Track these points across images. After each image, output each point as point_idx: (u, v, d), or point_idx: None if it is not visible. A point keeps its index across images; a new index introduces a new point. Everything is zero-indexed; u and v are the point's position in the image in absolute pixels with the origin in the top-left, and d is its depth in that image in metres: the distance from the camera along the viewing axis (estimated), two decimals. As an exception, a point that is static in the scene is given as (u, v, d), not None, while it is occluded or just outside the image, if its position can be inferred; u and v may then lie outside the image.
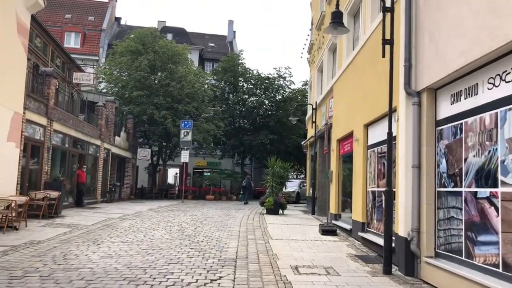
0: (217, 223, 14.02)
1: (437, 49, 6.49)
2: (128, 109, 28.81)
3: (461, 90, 6.13)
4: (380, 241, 8.06)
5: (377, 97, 9.24)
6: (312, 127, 20.56)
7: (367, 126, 10.55)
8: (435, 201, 6.73)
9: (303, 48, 26.39)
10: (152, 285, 5.87)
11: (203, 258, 7.88)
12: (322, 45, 18.48)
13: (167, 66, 30.20)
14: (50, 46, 24.04)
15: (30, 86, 14.39)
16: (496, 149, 5.27)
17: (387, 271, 7.02)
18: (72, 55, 30.09)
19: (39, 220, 12.64)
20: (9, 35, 11.64)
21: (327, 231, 11.72)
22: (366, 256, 8.67)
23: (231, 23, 52.94)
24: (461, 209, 5.99)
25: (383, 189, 8.00)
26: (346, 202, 13.16)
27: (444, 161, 6.56)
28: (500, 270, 5.04)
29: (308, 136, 23.49)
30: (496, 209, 5.20)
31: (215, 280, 6.23)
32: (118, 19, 48.99)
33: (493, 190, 5.28)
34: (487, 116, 5.50)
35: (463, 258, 5.83)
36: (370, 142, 10.42)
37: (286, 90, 38.64)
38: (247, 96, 37.99)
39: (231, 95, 37.73)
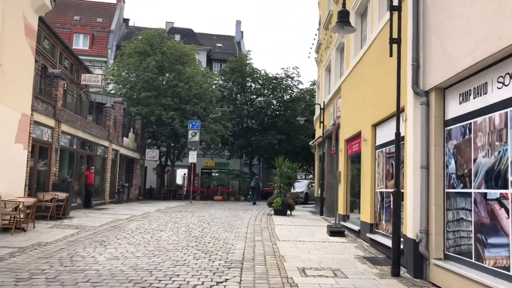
0: (225, 224, 13.98)
1: (445, 48, 6.39)
2: (136, 110, 28.91)
3: (470, 90, 6.03)
4: (389, 242, 7.97)
5: (385, 97, 9.15)
6: (320, 127, 20.46)
7: (375, 126, 10.46)
8: (444, 202, 6.63)
9: (311, 48, 26.23)
10: (157, 287, 5.85)
11: (209, 259, 7.84)
12: (329, 45, 18.38)
13: (175, 67, 30.23)
14: (58, 48, 24.17)
15: (38, 88, 14.46)
16: (506, 149, 5.17)
17: (395, 273, 6.93)
18: (81, 57, 30.26)
19: (47, 222, 12.69)
20: (17, 37, 11.69)
21: (335, 232, 11.63)
22: (374, 257, 8.57)
23: (238, 23, 52.90)
24: (470, 210, 5.89)
25: (392, 190, 7.91)
26: (354, 203, 13.06)
27: (453, 161, 6.46)
28: (511, 273, 4.94)
29: (316, 136, 23.40)
30: (507, 210, 5.10)
31: (221, 282, 6.19)
32: (126, 21, 49.23)
33: (503, 191, 5.18)
34: (496, 115, 5.39)
35: (473, 260, 5.73)
36: (378, 142, 10.32)
37: (294, 90, 38.54)
38: (255, 96, 37.93)
39: (239, 95, 37.69)
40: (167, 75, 30.52)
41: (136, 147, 28.58)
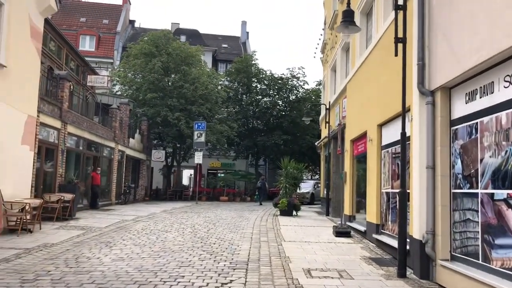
0: (230, 225, 13.96)
1: (451, 47, 6.33)
2: (142, 111, 28.98)
3: (476, 89, 5.96)
4: (395, 243, 7.91)
5: (390, 97, 9.09)
6: (325, 128, 20.41)
7: (380, 126, 10.40)
8: (450, 202, 6.57)
9: (316, 48, 26.21)
10: (162, 289, 5.84)
11: (214, 261, 7.82)
12: (335, 45, 18.33)
13: (180, 68, 30.28)
14: (64, 49, 24.29)
15: (44, 89, 14.53)
16: (513, 149, 5.10)
17: (402, 274, 6.88)
18: (87, 58, 30.41)
19: (53, 223, 12.74)
20: (23, 39, 11.74)
21: (341, 233, 11.58)
22: (380, 258, 8.52)
23: (244, 24, 52.91)
24: (477, 211, 5.83)
25: (398, 190, 7.86)
26: (360, 203, 12.99)
27: (459, 161, 6.39)
28: (519, 275, 4.88)
29: (322, 136, 23.33)
30: (514, 211, 5.03)
31: (226, 283, 6.17)
32: (132, 22, 49.40)
33: (511, 191, 5.11)
34: (503, 115, 5.33)
35: (480, 261, 5.66)
36: (384, 143, 10.26)
37: (300, 90, 38.45)
38: (260, 97, 37.90)
39: (244, 96, 37.70)
40: (172, 76, 30.58)
41: (142, 148, 28.65)
